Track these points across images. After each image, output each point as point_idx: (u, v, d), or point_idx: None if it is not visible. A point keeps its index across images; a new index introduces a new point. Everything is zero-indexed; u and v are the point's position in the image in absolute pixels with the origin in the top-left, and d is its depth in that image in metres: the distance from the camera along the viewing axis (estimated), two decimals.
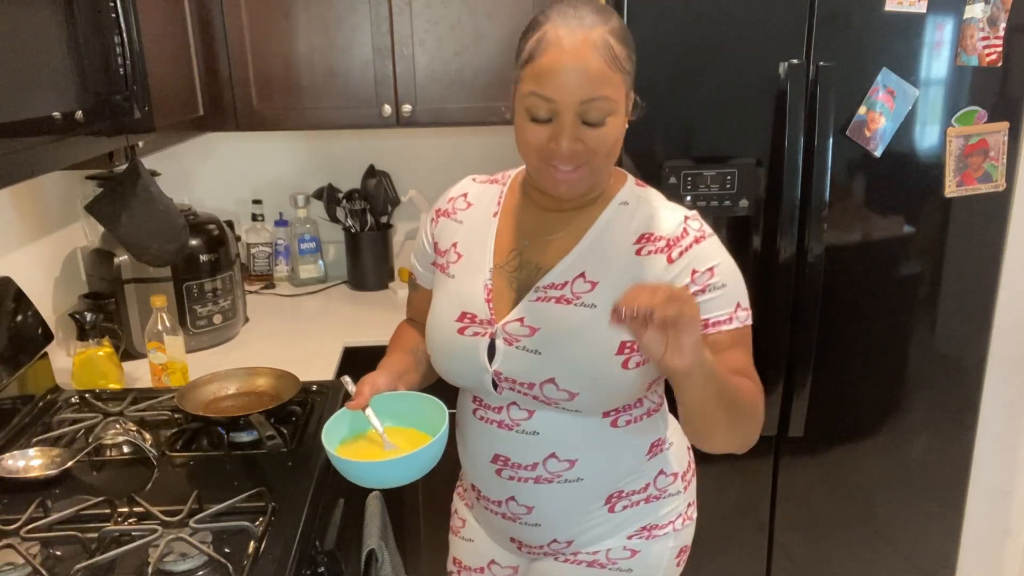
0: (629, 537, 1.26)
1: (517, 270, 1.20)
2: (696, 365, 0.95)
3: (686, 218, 1.16)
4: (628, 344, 1.12)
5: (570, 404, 1.15)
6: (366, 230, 2.49)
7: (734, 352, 1.13)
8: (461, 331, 1.20)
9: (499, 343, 1.17)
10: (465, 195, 1.30)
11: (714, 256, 1.14)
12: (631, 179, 1.23)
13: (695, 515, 1.35)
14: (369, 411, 1.16)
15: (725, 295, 1.13)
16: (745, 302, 1.15)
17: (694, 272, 1.12)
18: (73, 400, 1.70)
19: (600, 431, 1.19)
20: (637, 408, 1.22)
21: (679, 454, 1.31)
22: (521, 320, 1.16)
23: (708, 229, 1.17)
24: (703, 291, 1.12)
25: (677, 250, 1.13)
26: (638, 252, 1.15)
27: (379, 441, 1.15)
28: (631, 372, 1.14)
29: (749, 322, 1.16)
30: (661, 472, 1.27)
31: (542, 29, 1.06)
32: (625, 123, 1.13)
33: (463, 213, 1.28)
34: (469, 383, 1.23)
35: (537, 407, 1.18)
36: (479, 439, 1.25)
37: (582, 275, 1.15)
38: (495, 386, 1.19)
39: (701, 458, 2.08)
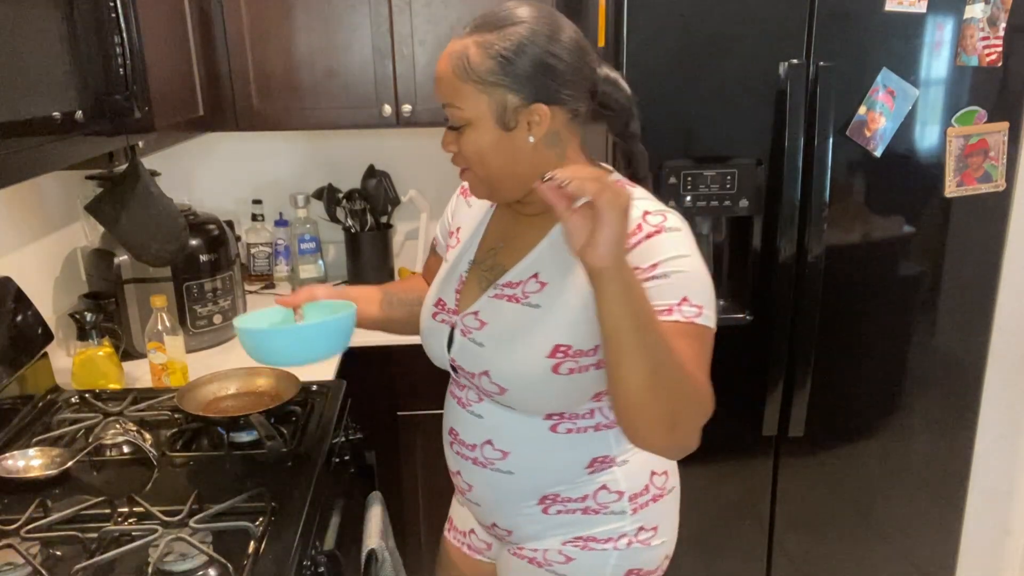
0: (564, 543, 1.26)
1: (488, 269, 1.25)
2: (613, 268, 0.91)
3: (646, 213, 1.09)
4: (562, 348, 1.12)
5: (501, 398, 1.19)
6: (366, 230, 2.49)
7: (678, 341, 1.01)
8: (434, 315, 1.29)
9: (456, 333, 1.24)
10: None
11: (663, 250, 1.06)
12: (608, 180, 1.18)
13: (658, 542, 1.28)
14: (296, 313, 1.31)
15: (668, 285, 1.05)
16: (697, 299, 1.05)
17: (636, 269, 1.03)
18: (73, 400, 1.70)
19: (538, 432, 1.20)
20: (585, 419, 1.20)
21: (633, 476, 1.24)
22: (476, 313, 1.21)
23: (674, 224, 1.09)
24: (644, 281, 1.04)
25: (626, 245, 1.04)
26: None
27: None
28: (562, 377, 1.13)
29: (702, 322, 1.05)
30: (604, 487, 1.23)
31: None
32: (508, 139, 1.10)
33: (476, 199, 1.28)
34: (438, 363, 1.30)
35: (484, 395, 1.23)
36: (446, 410, 1.35)
37: (535, 276, 1.17)
38: (454, 370, 1.27)
39: (701, 458, 2.09)
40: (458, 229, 1.33)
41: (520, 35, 1.07)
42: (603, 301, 0.95)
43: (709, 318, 1.06)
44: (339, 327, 1.27)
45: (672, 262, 1.06)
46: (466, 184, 1.29)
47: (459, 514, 1.51)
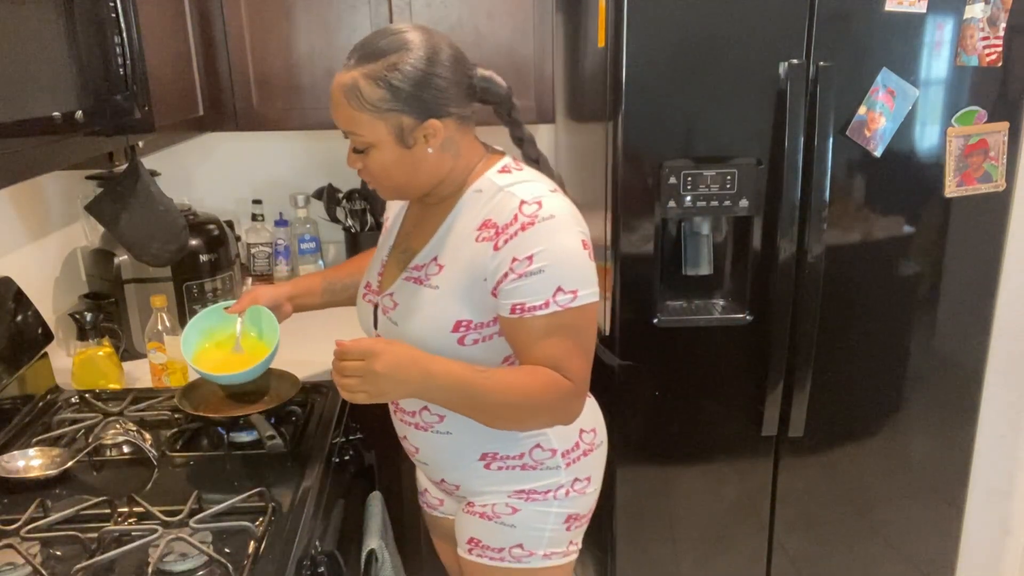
0: (509, 496, 1.39)
1: (403, 252, 1.38)
2: (407, 397, 1.27)
3: (522, 203, 1.21)
4: (464, 323, 1.26)
5: None
6: (366, 230, 2.49)
7: (549, 341, 1.20)
8: (364, 296, 1.44)
9: (379, 312, 1.38)
10: None
11: (538, 242, 1.18)
12: (497, 166, 1.31)
13: (591, 490, 1.44)
14: (240, 319, 1.55)
15: (542, 280, 1.18)
16: (570, 284, 1.19)
17: (513, 260, 1.19)
18: (73, 400, 1.70)
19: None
20: None
21: (563, 435, 1.38)
22: (392, 295, 1.35)
23: (550, 212, 1.20)
24: (520, 276, 1.19)
25: (504, 237, 1.20)
26: (476, 239, 1.24)
27: (232, 340, 1.56)
28: (469, 348, 1.27)
29: (576, 303, 1.20)
30: (537, 446, 1.36)
31: None
32: (407, 152, 1.24)
33: None
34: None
35: None
36: None
37: (435, 259, 1.30)
38: None
39: (701, 458, 2.10)
40: (388, 218, 1.50)
41: (404, 62, 1.19)
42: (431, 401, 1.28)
43: (585, 296, 1.21)
44: (263, 366, 1.53)
45: (546, 253, 1.18)
46: None
47: (418, 476, 1.66)
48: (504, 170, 1.30)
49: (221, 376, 1.53)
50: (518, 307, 1.21)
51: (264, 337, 1.58)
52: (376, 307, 1.40)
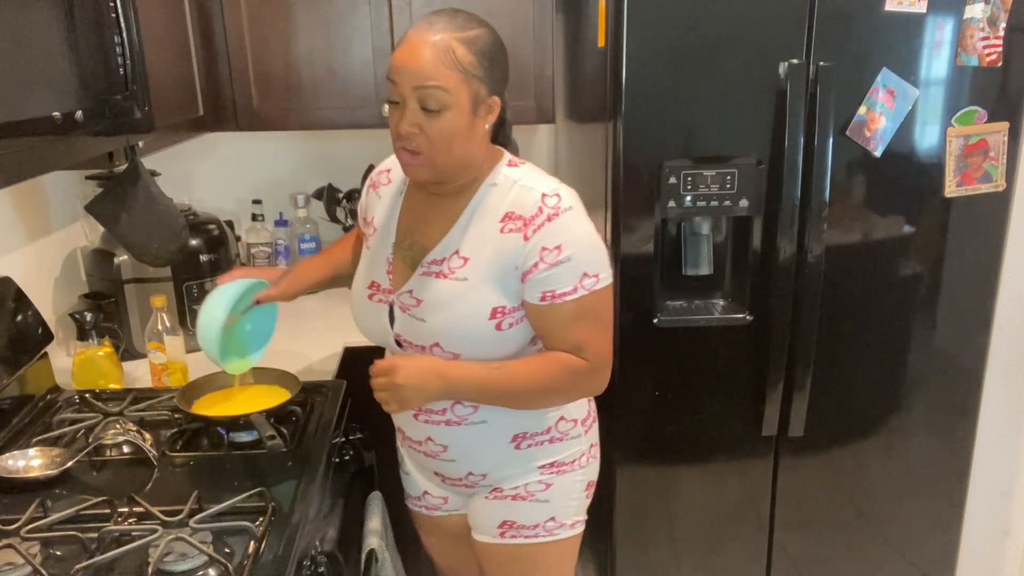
0: (541, 472, 1.46)
1: (409, 248, 1.39)
2: (434, 401, 1.35)
3: (543, 196, 1.29)
4: (499, 309, 1.31)
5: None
6: None
7: (577, 324, 1.30)
8: (370, 297, 1.43)
9: (396, 310, 1.39)
10: (389, 171, 1.51)
11: (564, 232, 1.27)
12: (504, 159, 1.38)
13: (598, 455, 1.56)
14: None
15: (570, 268, 1.28)
16: (593, 269, 1.30)
17: (543, 249, 1.27)
18: (73, 400, 1.70)
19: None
20: None
21: (578, 404, 1.49)
22: (411, 292, 1.36)
23: (568, 203, 1.30)
24: (550, 266, 1.28)
25: (532, 228, 1.28)
26: (501, 230, 1.31)
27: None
28: (506, 332, 1.33)
29: (600, 286, 1.30)
30: (562, 418, 1.46)
31: (405, 35, 1.27)
32: (472, 123, 1.27)
33: (384, 188, 1.49)
34: (379, 341, 1.46)
35: None
36: None
37: (456, 252, 1.33)
38: (399, 345, 1.41)
39: (701, 458, 2.10)
40: (373, 219, 1.48)
41: (487, 36, 1.28)
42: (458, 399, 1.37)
43: (605, 278, 1.31)
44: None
45: (571, 243, 1.27)
46: (375, 177, 1.52)
47: (409, 483, 1.67)
48: (511, 164, 1.37)
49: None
50: (548, 294, 1.29)
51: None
52: (391, 306, 1.40)
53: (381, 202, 1.49)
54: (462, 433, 1.43)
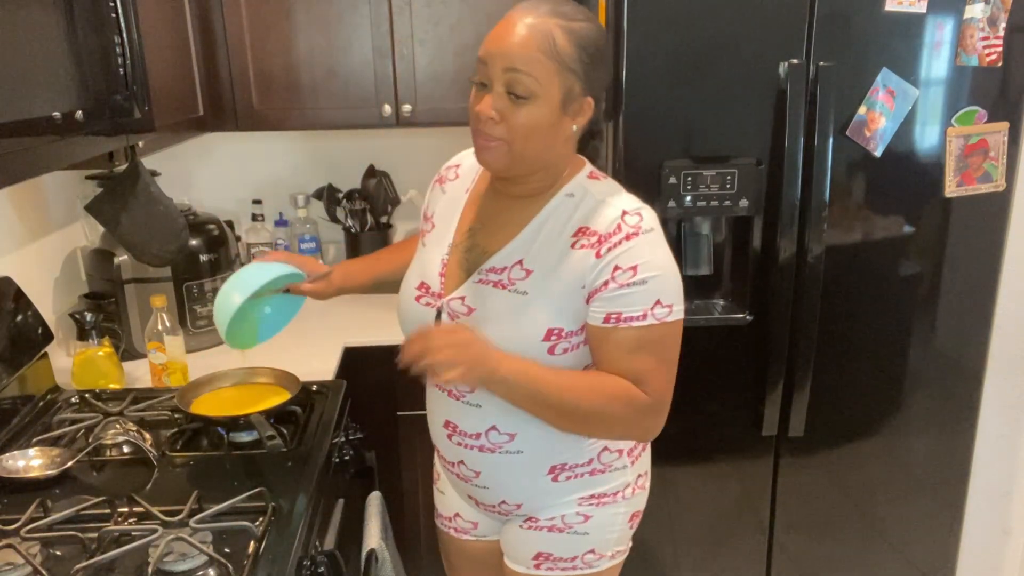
0: (580, 504, 1.34)
1: (468, 251, 1.29)
2: (480, 384, 1.15)
3: (624, 213, 1.19)
4: (555, 331, 1.20)
5: None
6: (366, 230, 2.49)
7: (638, 355, 1.18)
8: (417, 299, 1.32)
9: (444, 316, 1.28)
10: (458, 166, 1.41)
11: (642, 254, 1.17)
12: (585, 170, 1.28)
13: (647, 484, 1.43)
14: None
15: (644, 292, 1.17)
16: (668, 299, 1.18)
17: (616, 268, 1.17)
18: (73, 400, 1.70)
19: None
20: None
21: None
22: (463, 299, 1.26)
23: (649, 224, 1.19)
24: (621, 287, 1.17)
25: (606, 246, 1.17)
26: (572, 245, 1.20)
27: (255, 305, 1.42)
28: (558, 358, 1.21)
29: (671, 318, 1.19)
30: (605, 449, 1.33)
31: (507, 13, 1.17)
32: (559, 120, 1.17)
33: (450, 183, 1.39)
34: None
35: None
36: (435, 404, 1.38)
37: (519, 262, 1.23)
38: None
39: (701, 458, 2.10)
40: (433, 214, 1.39)
41: (593, 32, 1.16)
42: (496, 393, 1.19)
43: (678, 312, 1.20)
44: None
45: (650, 266, 1.17)
46: (443, 172, 1.42)
47: (442, 501, 1.56)
48: (592, 176, 1.28)
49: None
50: (613, 316, 1.18)
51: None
52: (439, 311, 1.30)
53: (445, 197, 1.38)
54: (496, 461, 1.32)
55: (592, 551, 1.37)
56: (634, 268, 1.16)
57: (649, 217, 1.20)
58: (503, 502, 1.38)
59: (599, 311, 1.19)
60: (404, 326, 1.35)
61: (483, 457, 1.32)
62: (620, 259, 1.16)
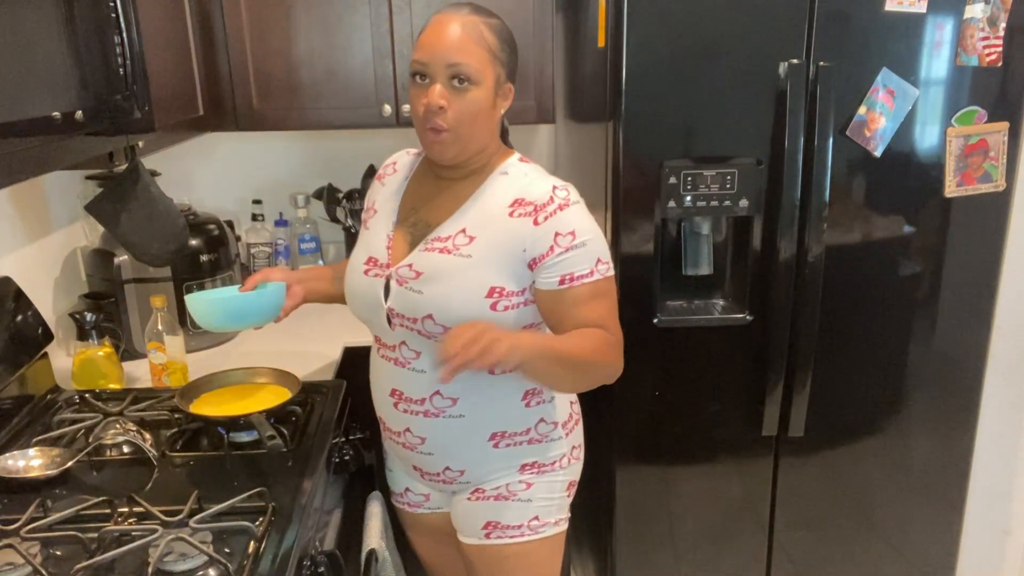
0: (521, 471, 1.48)
1: (413, 225, 1.43)
2: (519, 366, 1.25)
3: (554, 188, 1.35)
4: (497, 290, 1.34)
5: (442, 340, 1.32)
6: None
7: (593, 304, 1.35)
8: (366, 272, 1.44)
9: (392, 284, 1.40)
10: (395, 163, 1.56)
11: (576, 221, 1.33)
12: (516, 156, 1.45)
13: (581, 455, 1.58)
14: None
15: (585, 252, 1.33)
16: (605, 256, 1.36)
17: (557, 234, 1.32)
18: (73, 400, 1.70)
19: (478, 375, 1.36)
20: None
21: (560, 407, 1.51)
22: (411, 265, 1.39)
23: (576, 198, 1.36)
24: (566, 250, 1.32)
25: (543, 215, 1.33)
26: (510, 214, 1.35)
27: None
28: (500, 314, 1.35)
29: (610, 274, 1.37)
30: (542, 420, 1.48)
31: (431, 19, 1.34)
32: (493, 104, 1.35)
33: (389, 178, 1.54)
34: (369, 317, 1.46)
35: (424, 347, 1.39)
36: (380, 375, 1.49)
37: (463, 230, 1.37)
38: (389, 321, 1.41)
39: (701, 458, 2.10)
40: (374, 203, 1.53)
41: (506, 27, 1.37)
42: (529, 375, 1.34)
43: (611, 268, 1.38)
44: (269, 301, 1.53)
45: (585, 231, 1.34)
46: (381, 171, 1.56)
47: (392, 478, 1.68)
48: (523, 160, 1.44)
49: (215, 293, 1.59)
50: (567, 277, 1.33)
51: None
52: (388, 279, 1.41)
53: (385, 189, 1.53)
54: (440, 426, 1.44)
55: (536, 518, 1.49)
56: (572, 233, 1.32)
57: (574, 192, 1.37)
58: (447, 468, 1.48)
59: (552, 276, 1.33)
60: (353, 299, 1.48)
61: (427, 422, 1.44)
62: (558, 226, 1.32)
